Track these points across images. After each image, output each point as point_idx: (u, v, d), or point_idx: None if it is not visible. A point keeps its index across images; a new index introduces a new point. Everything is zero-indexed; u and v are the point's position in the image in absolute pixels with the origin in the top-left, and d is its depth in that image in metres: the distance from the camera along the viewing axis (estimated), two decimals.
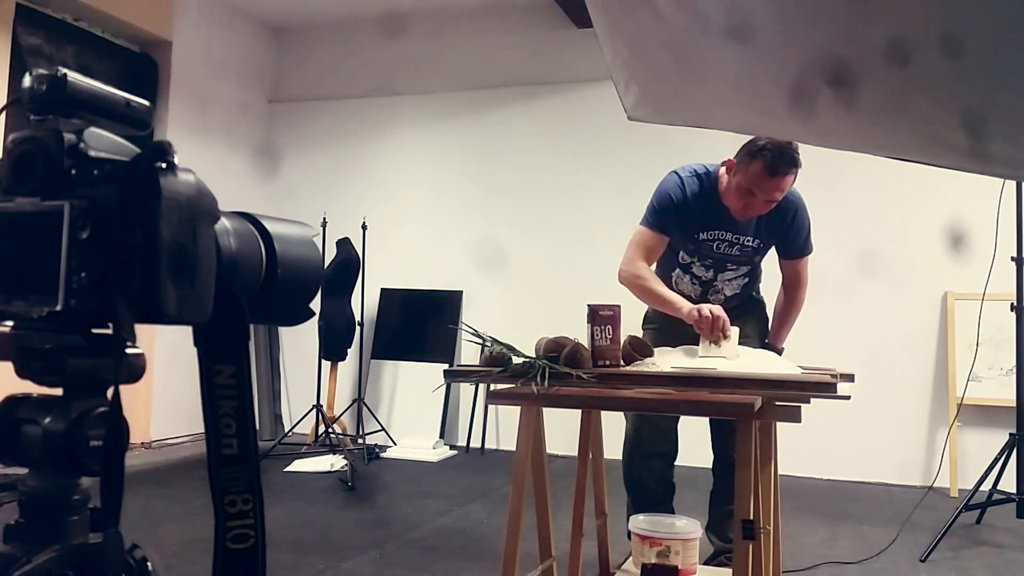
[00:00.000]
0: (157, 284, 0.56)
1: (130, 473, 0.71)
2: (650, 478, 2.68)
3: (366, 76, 5.92)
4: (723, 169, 2.47)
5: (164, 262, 0.57)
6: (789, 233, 2.53)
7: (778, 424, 2.04)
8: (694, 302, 2.54)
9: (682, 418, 2.67)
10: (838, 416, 3.54)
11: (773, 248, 2.61)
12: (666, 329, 2.57)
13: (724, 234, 2.50)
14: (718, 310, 2.18)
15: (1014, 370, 3.46)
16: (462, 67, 5.70)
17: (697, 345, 2.22)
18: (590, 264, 5.09)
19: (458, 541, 3.20)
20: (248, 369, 0.66)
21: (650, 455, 2.67)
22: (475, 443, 5.28)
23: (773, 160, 2.27)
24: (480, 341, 1.92)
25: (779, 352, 2.56)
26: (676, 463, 2.72)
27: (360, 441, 5.14)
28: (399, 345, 5.58)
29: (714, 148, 4.57)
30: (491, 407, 5.17)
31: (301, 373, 5.66)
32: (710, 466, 2.71)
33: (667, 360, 2.10)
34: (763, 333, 2.71)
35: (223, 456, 0.65)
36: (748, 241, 2.51)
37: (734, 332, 2.17)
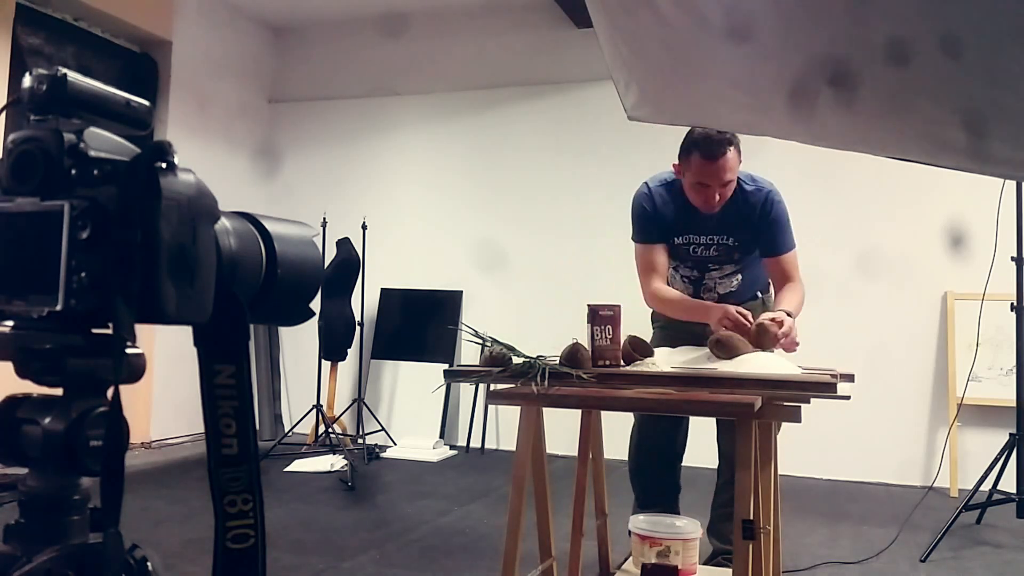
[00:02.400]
0: (157, 284, 0.56)
1: (130, 473, 0.71)
2: (649, 475, 2.69)
3: (366, 76, 5.92)
4: None
5: (164, 262, 0.57)
6: (762, 226, 2.49)
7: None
8: None
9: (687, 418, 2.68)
10: (838, 416, 3.54)
11: None
12: (671, 326, 2.59)
13: (697, 237, 2.52)
14: (743, 311, 2.21)
15: (1014, 370, 3.46)
16: (462, 67, 5.70)
17: (701, 344, 2.23)
18: (590, 264, 5.10)
19: (458, 541, 3.20)
20: (248, 369, 0.66)
21: (650, 451, 2.68)
22: (475, 443, 5.28)
23: (704, 148, 2.32)
24: (480, 341, 1.92)
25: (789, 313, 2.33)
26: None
27: (360, 441, 5.14)
28: (399, 345, 5.58)
29: None
30: (491, 407, 5.17)
31: (301, 373, 5.66)
32: (710, 466, 2.71)
33: (667, 360, 2.10)
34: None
35: (223, 456, 0.65)
36: (723, 240, 2.51)
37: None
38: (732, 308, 2.24)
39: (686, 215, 2.50)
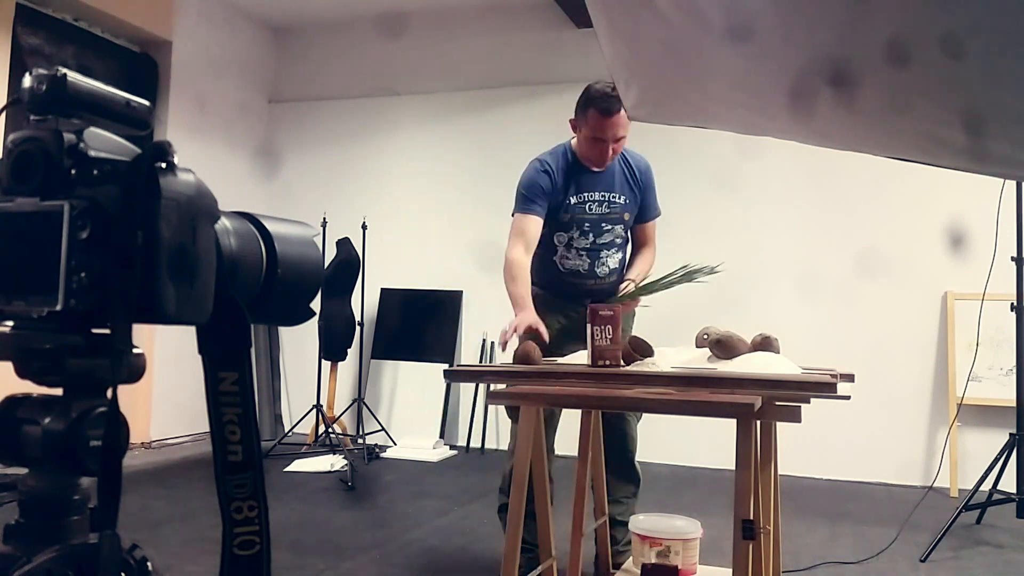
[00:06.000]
0: (157, 284, 0.56)
1: (130, 473, 0.71)
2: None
3: (366, 76, 5.92)
4: (572, 138, 2.68)
5: (164, 262, 0.57)
6: (645, 189, 2.73)
7: (778, 424, 2.04)
8: (583, 276, 2.69)
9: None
10: (838, 416, 3.54)
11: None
12: (550, 288, 2.72)
13: (592, 194, 2.67)
14: (541, 329, 2.39)
15: (1014, 370, 3.45)
16: (462, 67, 5.70)
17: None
18: None
19: (458, 541, 3.20)
20: (251, 376, 0.66)
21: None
22: (475, 443, 5.28)
23: (601, 104, 2.53)
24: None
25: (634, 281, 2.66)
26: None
27: (360, 441, 5.14)
28: (399, 345, 5.58)
29: (714, 148, 4.58)
30: (491, 407, 5.17)
31: (301, 373, 5.66)
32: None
33: (667, 360, 2.10)
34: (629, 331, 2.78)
35: (229, 463, 0.65)
36: (615, 198, 2.68)
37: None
38: (533, 322, 2.39)
39: (579, 175, 2.67)
